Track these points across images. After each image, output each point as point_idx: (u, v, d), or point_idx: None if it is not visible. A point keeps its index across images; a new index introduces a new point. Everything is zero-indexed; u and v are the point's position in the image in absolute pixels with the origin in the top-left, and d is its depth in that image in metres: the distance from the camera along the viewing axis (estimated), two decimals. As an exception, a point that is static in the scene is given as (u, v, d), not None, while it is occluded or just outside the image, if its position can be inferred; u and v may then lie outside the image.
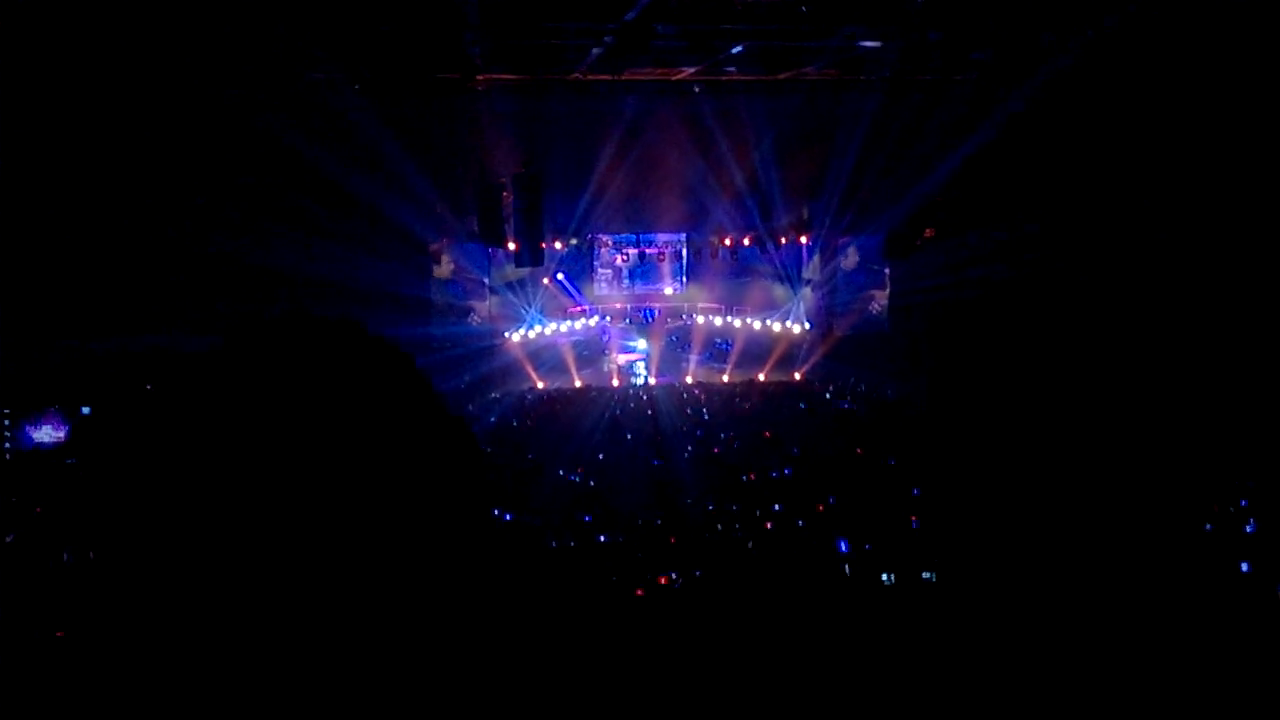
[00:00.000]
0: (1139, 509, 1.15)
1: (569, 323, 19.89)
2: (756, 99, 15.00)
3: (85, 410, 10.30)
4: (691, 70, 13.45)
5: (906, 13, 10.57)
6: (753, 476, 11.00)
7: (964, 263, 15.64)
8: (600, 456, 12.62)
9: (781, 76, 13.85)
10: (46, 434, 10.48)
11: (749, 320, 20.34)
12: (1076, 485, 1.15)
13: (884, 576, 6.63)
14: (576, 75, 13.29)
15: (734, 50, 12.22)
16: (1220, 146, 10.69)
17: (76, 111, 10.58)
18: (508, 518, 8.95)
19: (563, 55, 12.46)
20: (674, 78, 13.91)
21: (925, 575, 6.56)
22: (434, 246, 17.96)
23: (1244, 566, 5.68)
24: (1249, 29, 9.23)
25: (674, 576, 6.96)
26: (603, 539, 8.34)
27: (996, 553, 1.21)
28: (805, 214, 19.23)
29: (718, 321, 20.45)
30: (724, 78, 13.97)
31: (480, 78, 13.51)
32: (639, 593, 6.43)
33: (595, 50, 12.03)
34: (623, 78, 13.53)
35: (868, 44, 11.99)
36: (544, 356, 19.30)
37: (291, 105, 12.56)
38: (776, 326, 20.32)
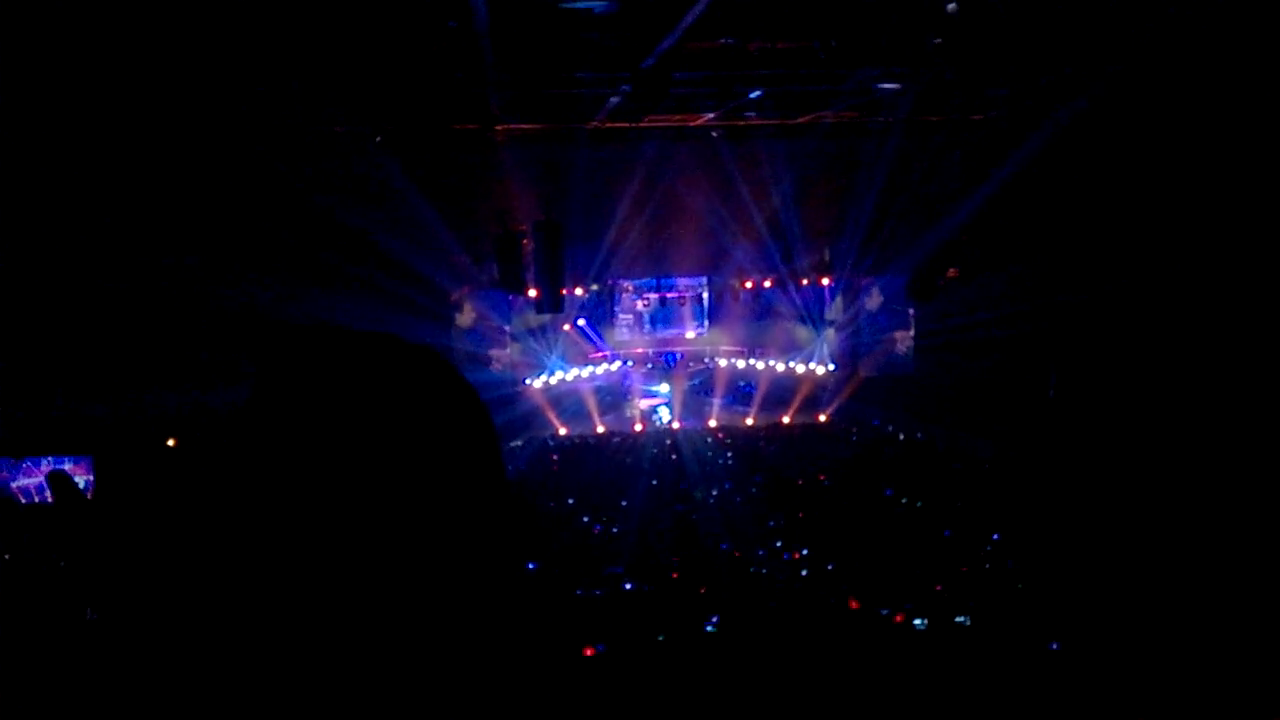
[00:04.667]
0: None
1: (590, 368, 19.85)
2: (776, 142, 15.05)
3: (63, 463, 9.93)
4: (710, 116, 13.52)
5: (923, 54, 10.58)
6: (780, 521, 10.84)
7: (989, 302, 15.51)
8: (624, 503, 12.49)
9: (800, 120, 13.90)
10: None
11: (772, 363, 20.22)
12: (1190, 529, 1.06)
13: (916, 621, 6.45)
14: (595, 123, 13.39)
15: (752, 95, 12.27)
16: (1250, 175, 10.54)
17: (91, 161, 10.71)
18: (531, 566, 8.84)
19: (581, 104, 12.54)
20: (693, 123, 13.98)
21: (959, 619, 6.39)
22: (455, 295, 18.05)
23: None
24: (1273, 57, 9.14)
25: (701, 624, 6.81)
26: (628, 587, 8.21)
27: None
28: (826, 256, 19.19)
29: (740, 364, 20.35)
30: (742, 122, 14.03)
31: (499, 128, 13.64)
32: (661, 639, 6.30)
33: (613, 99, 12.11)
34: (641, 124, 13.61)
35: (886, 86, 12.01)
36: (566, 403, 19.24)
37: (311, 157, 12.71)
38: (800, 368, 20.19)
